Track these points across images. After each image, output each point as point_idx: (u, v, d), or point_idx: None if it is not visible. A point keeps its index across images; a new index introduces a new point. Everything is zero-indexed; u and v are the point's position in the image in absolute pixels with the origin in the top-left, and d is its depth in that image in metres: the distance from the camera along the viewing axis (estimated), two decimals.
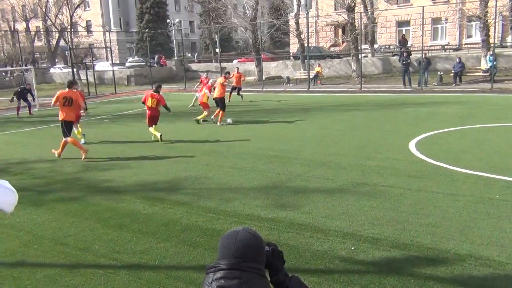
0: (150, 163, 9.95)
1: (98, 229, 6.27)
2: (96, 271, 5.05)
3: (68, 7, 39.29)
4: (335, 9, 39.61)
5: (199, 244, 5.57)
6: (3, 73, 43.33)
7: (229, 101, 20.55)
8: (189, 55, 56.78)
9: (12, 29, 47.24)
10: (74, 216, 6.84)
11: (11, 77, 42.15)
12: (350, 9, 27.69)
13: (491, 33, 24.76)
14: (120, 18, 63.12)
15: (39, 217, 6.87)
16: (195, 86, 20.92)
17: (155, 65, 41.50)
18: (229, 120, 14.88)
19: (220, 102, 14.90)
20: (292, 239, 5.58)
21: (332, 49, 40.62)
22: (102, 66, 42.13)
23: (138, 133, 14.16)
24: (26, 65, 38.79)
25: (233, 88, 21.75)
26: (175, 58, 44.25)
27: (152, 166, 9.72)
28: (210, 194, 7.54)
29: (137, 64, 43.27)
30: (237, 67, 25.21)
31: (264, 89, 26.89)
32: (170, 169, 9.34)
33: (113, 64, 36.37)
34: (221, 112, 14.85)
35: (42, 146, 12.63)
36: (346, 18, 28.22)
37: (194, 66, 40.30)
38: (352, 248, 5.22)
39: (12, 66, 43.09)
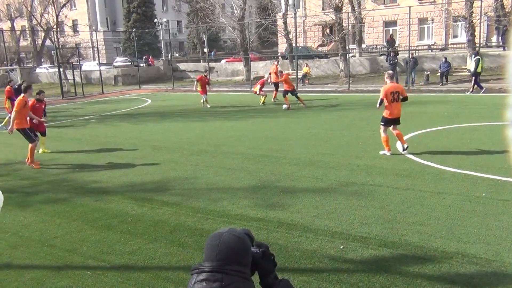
0: (139, 163, 9.89)
1: (86, 230, 6.22)
2: (84, 272, 5.00)
3: (54, 6, 38.81)
4: (323, 9, 39.75)
5: (188, 245, 5.55)
6: None
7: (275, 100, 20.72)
8: (177, 54, 56.54)
9: None
10: (62, 217, 6.77)
11: None
12: (338, 9, 27.81)
13: (477, 33, 25.06)
14: (107, 18, 62.60)
15: (26, 218, 6.79)
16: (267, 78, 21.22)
17: (142, 64, 41.23)
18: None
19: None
20: (281, 238, 5.59)
21: (320, 49, 40.78)
22: (89, 66, 41.79)
23: (126, 133, 14.07)
24: (11, 65, 38.31)
25: (275, 85, 21.08)
26: (163, 58, 44.03)
27: (140, 166, 9.66)
28: (199, 194, 7.52)
29: (124, 64, 42.95)
30: (277, 61, 24.58)
31: (252, 89, 26.87)
32: (159, 170, 9.30)
33: (100, 64, 36.06)
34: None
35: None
36: (334, 18, 28.34)
37: (182, 66, 40.14)
38: (341, 247, 5.25)
39: None
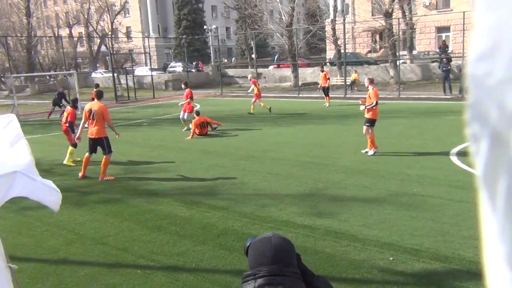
0: (188, 167, 10.09)
1: (137, 230, 6.42)
2: (135, 271, 5.16)
3: (109, 14, 40.51)
4: (372, 15, 39.15)
5: (235, 249, 5.60)
6: (48, 77, 45.08)
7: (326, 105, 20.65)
8: (225, 60, 57.36)
9: (56, 35, 49.03)
10: (114, 217, 7.02)
11: (54, 81, 43.79)
12: (388, 15, 27.29)
13: None
14: (158, 25, 64.44)
15: (81, 216, 7.09)
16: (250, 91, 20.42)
17: (193, 70, 42.10)
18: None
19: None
20: (328, 247, 5.53)
21: (369, 55, 40.13)
22: (141, 71, 43.09)
23: (176, 137, 14.38)
24: (69, 70, 40.15)
25: (323, 89, 21.28)
26: (212, 64, 44.80)
27: (189, 170, 9.85)
28: (246, 199, 7.58)
29: (181, 68, 43.92)
30: (322, 65, 24.53)
31: (300, 95, 26.85)
32: (207, 174, 9.44)
33: (151, 69, 37.11)
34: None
35: (84, 148, 13.01)
36: (384, 23, 27.83)
37: (230, 72, 40.65)
38: (391, 258, 5.12)
39: (55, 71, 44.72)
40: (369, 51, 41.98)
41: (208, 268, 5.18)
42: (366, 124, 10.41)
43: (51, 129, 17.98)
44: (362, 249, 5.41)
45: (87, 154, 9.60)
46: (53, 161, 11.36)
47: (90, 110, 9.32)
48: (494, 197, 0.55)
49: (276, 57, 44.47)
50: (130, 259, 5.48)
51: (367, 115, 10.36)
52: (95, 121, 9.24)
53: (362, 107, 10.63)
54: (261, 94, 19.72)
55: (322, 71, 21.60)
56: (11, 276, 2.73)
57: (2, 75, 42.10)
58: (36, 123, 20.29)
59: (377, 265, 4.99)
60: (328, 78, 21.44)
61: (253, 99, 19.04)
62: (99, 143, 9.42)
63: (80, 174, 9.61)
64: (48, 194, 2.55)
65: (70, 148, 10.97)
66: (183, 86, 16.10)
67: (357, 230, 5.99)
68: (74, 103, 11.81)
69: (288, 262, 1.79)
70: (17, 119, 2.85)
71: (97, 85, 20.75)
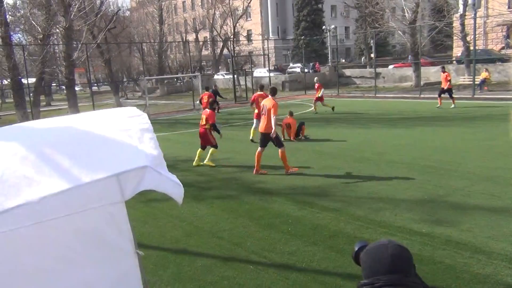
0: (301, 167, 10.14)
1: (250, 226, 6.63)
2: (247, 266, 5.34)
3: (232, 18, 42.45)
4: (509, 8, 35.55)
5: (347, 252, 5.50)
6: (175, 79, 48.73)
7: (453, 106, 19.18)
8: (343, 60, 56.55)
9: (184, 40, 52.70)
10: (230, 213, 7.34)
11: (181, 83, 47.19)
12: None
13: None
14: (278, 27, 65.82)
15: (199, 210, 7.54)
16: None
17: (310, 71, 42.25)
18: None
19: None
20: (448, 257, 5.17)
21: (503, 51, 36.50)
22: (259, 72, 44.35)
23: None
24: (194, 72, 42.86)
25: (443, 91, 19.64)
26: (329, 64, 44.49)
27: (302, 170, 9.89)
28: (359, 202, 7.40)
29: (297, 70, 44.42)
30: (443, 66, 23.03)
31: (422, 96, 25.40)
32: (320, 174, 9.41)
33: (269, 71, 37.99)
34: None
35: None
36: None
37: (347, 72, 39.96)
38: None
39: (182, 73, 48.14)
40: (503, 47, 38.23)
41: (318, 269, 5.16)
42: None
43: (177, 127, 19.38)
44: (487, 263, 4.96)
45: (259, 149, 9.85)
46: (177, 157, 12.21)
47: (263, 106, 9.79)
48: None
49: (409, 57, 42.50)
50: (243, 254, 5.69)
51: None
52: (265, 116, 9.63)
53: None
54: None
55: (444, 71, 20.01)
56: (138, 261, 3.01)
57: (137, 77, 46.47)
58: (164, 122, 22.03)
59: (504, 282, 4.54)
60: (449, 80, 19.57)
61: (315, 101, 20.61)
62: (268, 138, 9.65)
63: (254, 171, 9.75)
64: (172, 187, 2.73)
65: (212, 149, 11.04)
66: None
67: (482, 242, 5.51)
68: (212, 105, 11.44)
69: (408, 272, 1.69)
70: (148, 117, 3.11)
71: (214, 88, 22.63)
